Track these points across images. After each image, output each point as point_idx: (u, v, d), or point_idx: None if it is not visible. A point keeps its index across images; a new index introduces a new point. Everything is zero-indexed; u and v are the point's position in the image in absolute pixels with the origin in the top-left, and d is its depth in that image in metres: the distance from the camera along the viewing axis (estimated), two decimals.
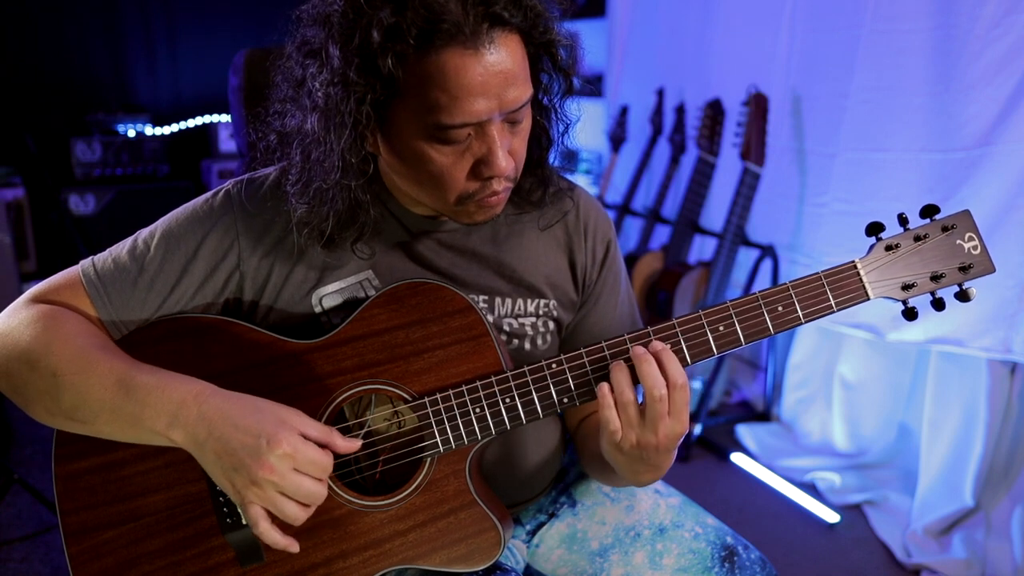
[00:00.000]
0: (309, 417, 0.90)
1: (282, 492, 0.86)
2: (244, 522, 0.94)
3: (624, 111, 3.77)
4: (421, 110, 0.87)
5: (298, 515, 0.88)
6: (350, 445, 0.92)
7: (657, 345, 0.92)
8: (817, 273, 0.95)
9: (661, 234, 3.34)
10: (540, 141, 1.04)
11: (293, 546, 0.91)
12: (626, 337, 0.95)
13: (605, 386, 0.92)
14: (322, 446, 0.89)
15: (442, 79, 0.85)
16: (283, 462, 0.85)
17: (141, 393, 0.89)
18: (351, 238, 1.00)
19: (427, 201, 0.99)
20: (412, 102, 0.88)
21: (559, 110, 1.02)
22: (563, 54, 0.96)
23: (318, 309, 1.03)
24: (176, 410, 0.88)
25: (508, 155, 0.92)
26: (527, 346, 1.10)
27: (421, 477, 0.97)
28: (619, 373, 0.91)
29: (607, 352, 0.95)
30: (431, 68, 0.85)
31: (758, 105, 2.70)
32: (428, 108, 0.87)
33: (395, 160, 0.96)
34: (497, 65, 0.86)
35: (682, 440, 0.94)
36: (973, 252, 0.95)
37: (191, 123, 4.43)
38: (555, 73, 0.98)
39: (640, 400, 0.91)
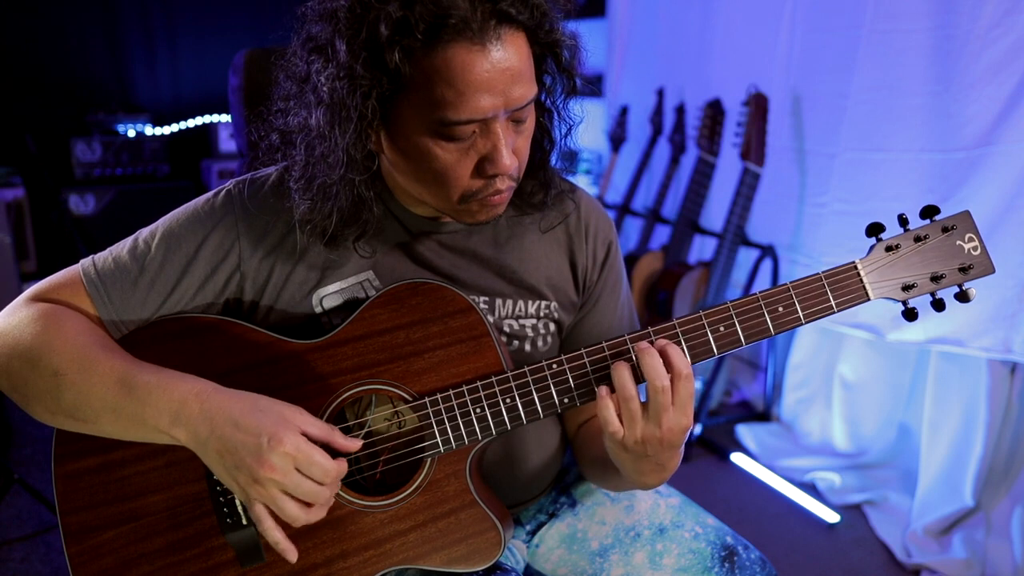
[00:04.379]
0: (311, 415, 0.90)
1: (284, 491, 0.86)
2: (244, 522, 0.94)
3: (624, 111, 3.77)
4: (427, 106, 0.87)
5: (299, 515, 0.88)
6: (350, 444, 0.92)
7: (661, 342, 0.92)
8: (817, 274, 0.95)
9: (661, 234, 3.34)
10: (542, 143, 1.04)
11: (291, 553, 0.91)
12: (626, 337, 0.95)
13: (605, 388, 0.92)
14: (322, 445, 0.89)
15: (449, 74, 0.85)
16: (285, 461, 0.85)
17: (143, 392, 0.89)
18: (353, 235, 1.00)
19: (430, 200, 0.99)
20: (418, 98, 0.88)
21: (562, 111, 1.02)
22: (567, 55, 0.96)
23: (318, 309, 1.03)
24: (178, 408, 0.88)
25: (512, 154, 0.92)
26: (527, 347, 1.10)
27: (421, 477, 0.97)
28: (621, 370, 0.91)
29: (607, 352, 0.95)
30: (438, 63, 0.85)
31: (758, 105, 2.70)
32: (434, 104, 0.87)
33: (399, 157, 0.95)
34: (503, 62, 0.86)
35: (687, 438, 0.94)
36: (973, 253, 0.95)
37: (191, 123, 4.43)
38: (558, 74, 0.98)
39: (643, 398, 0.91)
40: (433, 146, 0.90)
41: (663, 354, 0.90)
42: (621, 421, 0.91)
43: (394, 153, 0.95)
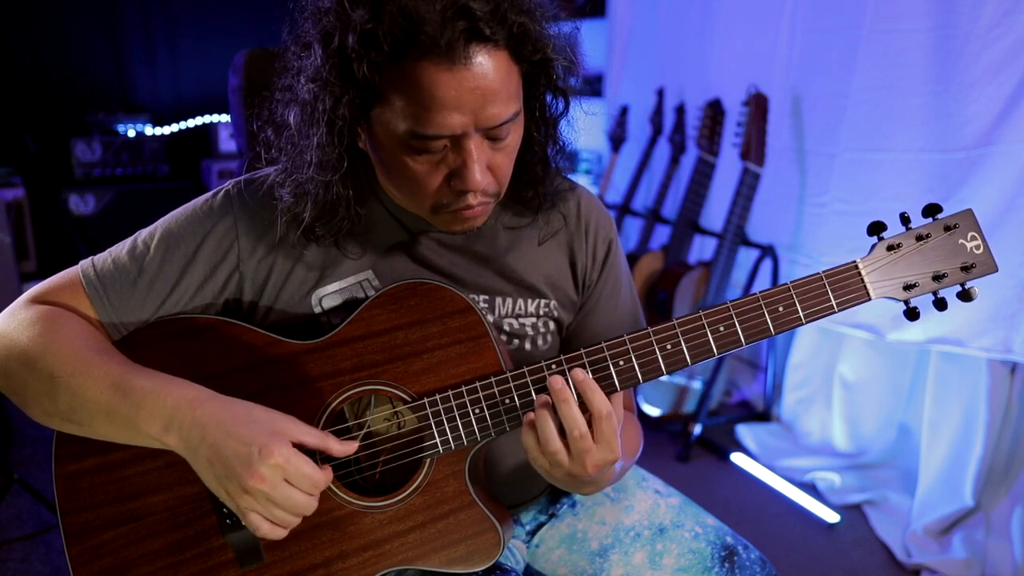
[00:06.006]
0: (304, 424, 0.90)
1: (271, 501, 0.86)
2: (244, 523, 0.94)
3: (624, 111, 3.77)
4: (396, 117, 0.87)
5: (291, 521, 0.88)
6: (346, 448, 0.92)
7: (578, 375, 0.90)
8: (818, 273, 0.95)
9: (661, 234, 3.33)
10: (538, 155, 1.03)
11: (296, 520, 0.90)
12: (626, 337, 0.94)
13: (529, 429, 0.90)
14: (318, 452, 0.89)
15: (416, 91, 0.85)
16: (274, 473, 0.85)
17: (137, 397, 0.89)
18: (333, 233, 1.00)
19: (408, 205, 1.00)
20: (388, 107, 0.88)
21: (555, 129, 1.01)
22: (560, 72, 0.94)
23: (318, 309, 1.03)
24: (171, 415, 0.88)
25: (487, 170, 0.92)
26: (527, 346, 1.09)
27: (421, 478, 0.97)
28: (544, 422, 0.88)
29: (607, 353, 0.94)
30: (405, 78, 0.85)
31: (758, 105, 2.70)
32: (402, 116, 0.87)
33: (378, 162, 0.97)
34: (473, 81, 0.85)
35: (637, 457, 0.94)
36: (975, 252, 0.95)
37: (191, 123, 4.43)
38: (552, 91, 0.97)
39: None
40: (404, 156, 0.91)
41: (582, 393, 0.89)
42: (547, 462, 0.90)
43: (375, 157, 0.97)
